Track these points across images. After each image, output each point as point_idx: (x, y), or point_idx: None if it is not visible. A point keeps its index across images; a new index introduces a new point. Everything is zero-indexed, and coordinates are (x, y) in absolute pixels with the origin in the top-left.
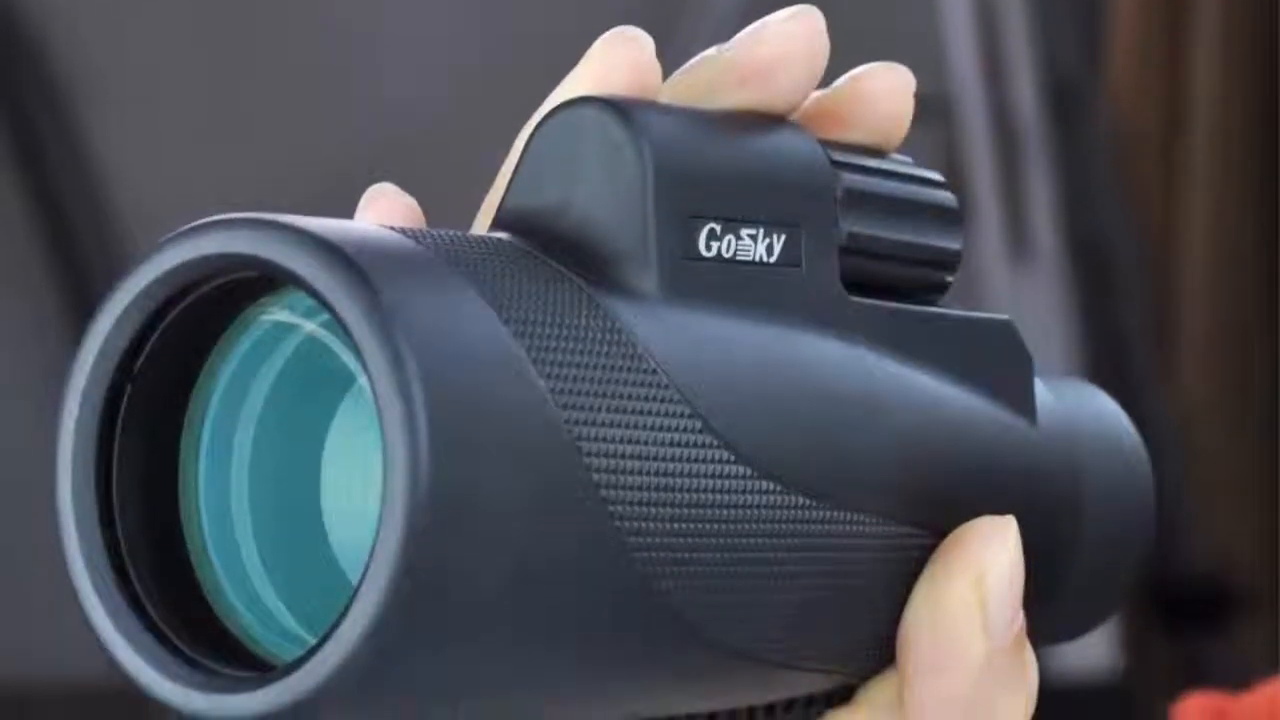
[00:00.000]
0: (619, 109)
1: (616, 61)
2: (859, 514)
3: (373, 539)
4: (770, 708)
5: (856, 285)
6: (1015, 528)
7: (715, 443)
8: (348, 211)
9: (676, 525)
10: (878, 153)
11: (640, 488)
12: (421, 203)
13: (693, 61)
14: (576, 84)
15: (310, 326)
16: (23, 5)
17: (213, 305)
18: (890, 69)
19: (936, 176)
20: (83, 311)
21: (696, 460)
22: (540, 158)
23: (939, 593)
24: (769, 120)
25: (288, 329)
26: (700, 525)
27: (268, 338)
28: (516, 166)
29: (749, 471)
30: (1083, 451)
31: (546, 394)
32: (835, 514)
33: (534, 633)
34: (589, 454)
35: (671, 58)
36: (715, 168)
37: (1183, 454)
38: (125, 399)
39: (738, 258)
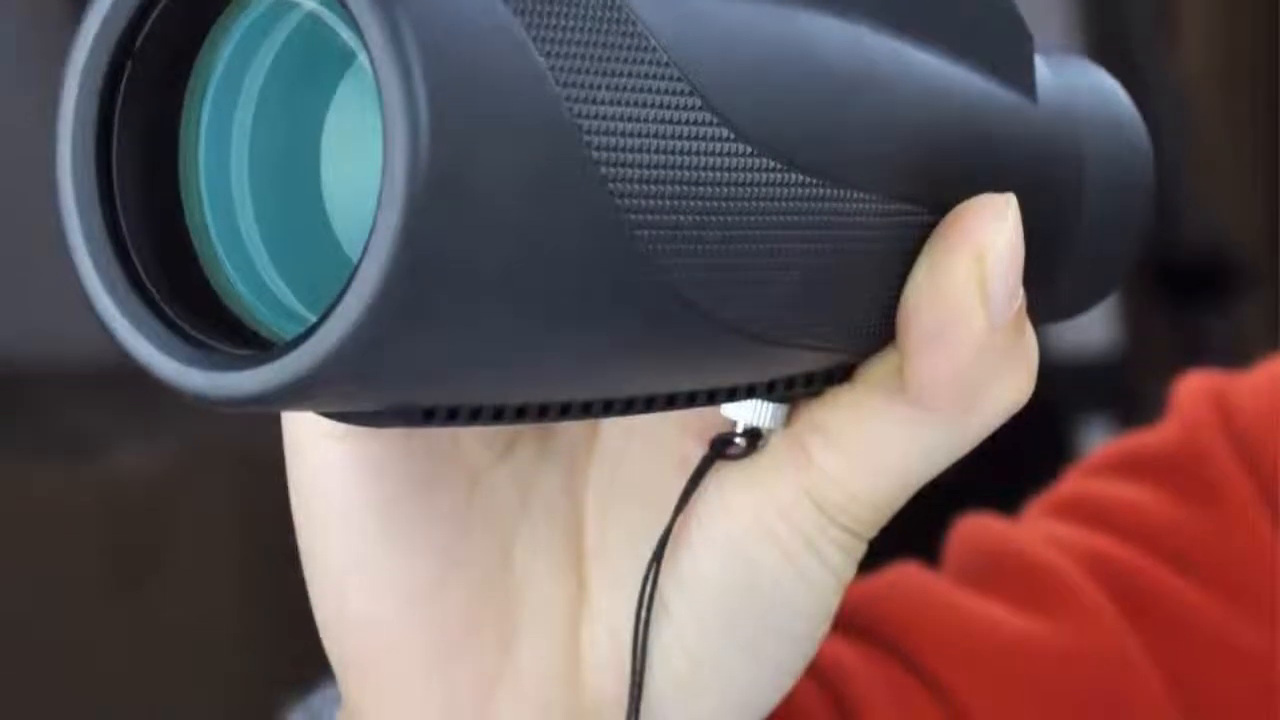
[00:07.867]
0: None
1: None
2: (859, 191)
3: (373, 217)
4: (770, 385)
5: None
6: (1015, 204)
7: (714, 120)
8: None
9: (676, 203)
10: None
11: (640, 165)
12: None
13: None
14: None
15: (310, 4)
16: None
17: None
18: None
19: None
20: None
21: (696, 138)
22: None
23: (939, 269)
24: None
25: (288, 6)
26: (700, 203)
27: (268, 15)
28: None
29: (748, 149)
30: (1083, 128)
31: (546, 71)
32: (835, 191)
33: (534, 312)
34: (589, 132)
35: None
36: None
37: (1183, 130)
38: (125, 78)
39: None
